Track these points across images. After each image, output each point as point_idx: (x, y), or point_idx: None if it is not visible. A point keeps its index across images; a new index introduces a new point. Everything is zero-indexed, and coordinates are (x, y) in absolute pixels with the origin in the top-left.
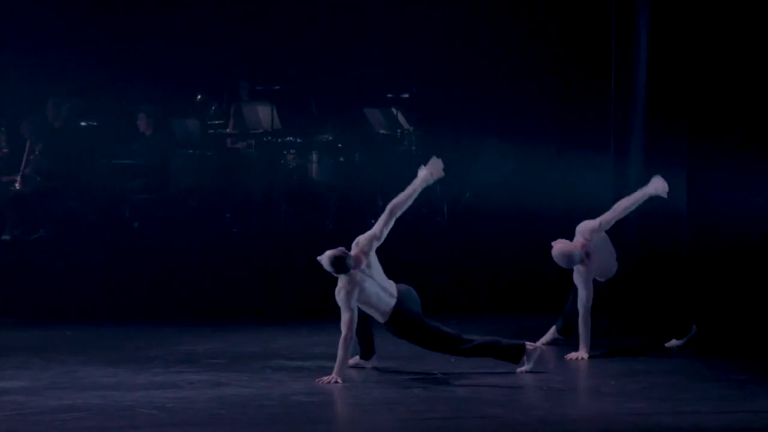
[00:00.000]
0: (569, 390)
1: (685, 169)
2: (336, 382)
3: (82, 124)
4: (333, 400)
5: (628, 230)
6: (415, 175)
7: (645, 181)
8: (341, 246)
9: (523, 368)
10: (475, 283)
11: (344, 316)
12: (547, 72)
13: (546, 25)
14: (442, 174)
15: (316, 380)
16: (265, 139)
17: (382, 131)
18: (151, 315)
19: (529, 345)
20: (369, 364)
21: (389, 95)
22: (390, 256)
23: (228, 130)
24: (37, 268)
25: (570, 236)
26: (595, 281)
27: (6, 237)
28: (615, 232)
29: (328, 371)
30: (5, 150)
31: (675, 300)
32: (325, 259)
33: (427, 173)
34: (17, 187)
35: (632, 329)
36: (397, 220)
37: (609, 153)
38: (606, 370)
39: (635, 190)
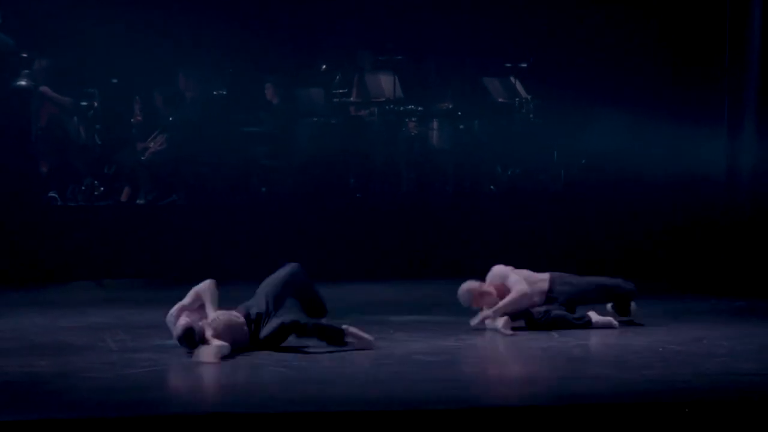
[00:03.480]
0: (683, 352)
1: None
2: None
3: (214, 93)
4: (455, 358)
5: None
6: (533, 143)
7: (757, 150)
8: None
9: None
10: (589, 249)
11: None
12: (662, 40)
13: None
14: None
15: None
16: (387, 107)
17: (500, 100)
18: None
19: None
20: None
21: (508, 64)
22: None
23: (351, 98)
24: (170, 230)
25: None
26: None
27: (140, 201)
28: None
29: (450, 328)
30: (139, 118)
31: None
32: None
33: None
34: (151, 154)
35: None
36: (514, 187)
37: (723, 121)
38: (721, 332)
39: (747, 159)
